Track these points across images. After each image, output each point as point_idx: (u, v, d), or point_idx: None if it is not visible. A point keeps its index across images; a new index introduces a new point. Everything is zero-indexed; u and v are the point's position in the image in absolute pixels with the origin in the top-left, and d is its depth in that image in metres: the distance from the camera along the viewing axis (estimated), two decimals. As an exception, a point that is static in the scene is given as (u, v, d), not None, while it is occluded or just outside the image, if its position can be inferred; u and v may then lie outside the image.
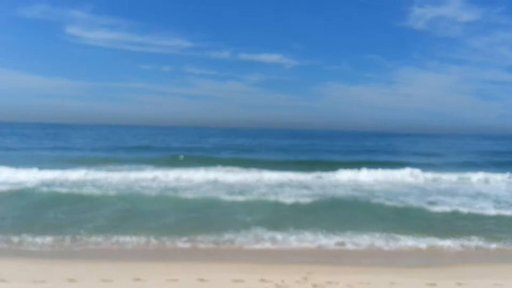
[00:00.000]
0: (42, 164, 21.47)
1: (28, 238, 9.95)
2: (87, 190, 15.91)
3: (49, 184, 16.98)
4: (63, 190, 15.78)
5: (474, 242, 10.57)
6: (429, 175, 21.53)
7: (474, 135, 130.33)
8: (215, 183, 18.58)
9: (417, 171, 21.75)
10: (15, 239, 9.91)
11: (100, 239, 10.11)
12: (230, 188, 17.28)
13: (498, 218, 13.15)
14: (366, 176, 20.86)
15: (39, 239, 9.91)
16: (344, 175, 20.88)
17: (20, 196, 14.93)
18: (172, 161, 26.31)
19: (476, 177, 21.54)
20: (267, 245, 10.10)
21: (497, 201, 15.73)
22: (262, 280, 7.40)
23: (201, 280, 7.34)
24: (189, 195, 15.60)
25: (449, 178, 21.29)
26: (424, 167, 23.54)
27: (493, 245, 10.39)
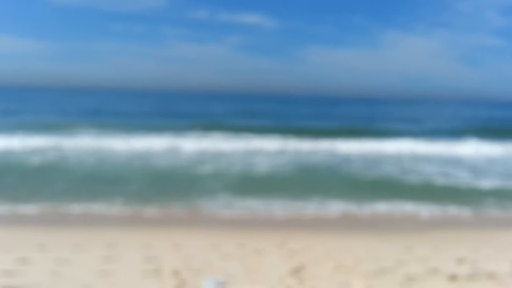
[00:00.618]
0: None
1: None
2: (52, 157, 15.51)
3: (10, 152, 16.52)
4: (24, 157, 15.35)
5: (449, 208, 10.65)
6: (408, 144, 21.60)
7: (460, 101, 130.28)
8: (175, 151, 18.34)
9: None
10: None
11: (72, 206, 9.85)
12: (192, 156, 17.08)
13: (473, 187, 13.27)
14: (344, 144, 20.88)
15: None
16: (323, 144, 20.82)
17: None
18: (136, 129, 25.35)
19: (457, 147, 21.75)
20: (242, 211, 10.00)
21: (473, 170, 15.89)
22: (240, 244, 7.30)
23: (177, 244, 7.20)
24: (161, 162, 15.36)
25: (427, 147, 21.39)
26: (405, 134, 23.72)
27: (467, 212, 10.48)
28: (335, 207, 10.43)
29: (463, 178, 14.27)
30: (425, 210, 10.43)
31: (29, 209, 9.52)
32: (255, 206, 10.33)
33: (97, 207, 9.84)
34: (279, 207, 10.27)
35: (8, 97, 62.06)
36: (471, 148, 21.40)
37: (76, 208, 9.73)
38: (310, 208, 10.34)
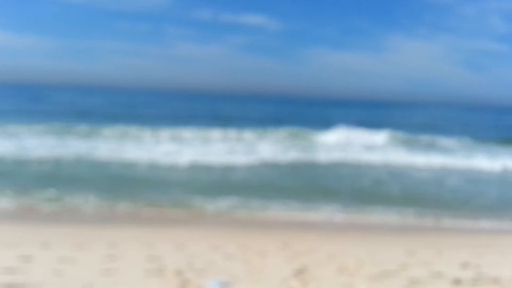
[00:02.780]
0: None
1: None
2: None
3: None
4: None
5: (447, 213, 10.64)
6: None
7: (464, 106, 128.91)
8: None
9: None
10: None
11: (75, 203, 9.87)
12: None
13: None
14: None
15: None
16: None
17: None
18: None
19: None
20: (244, 212, 10.01)
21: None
22: (243, 246, 7.29)
23: (179, 244, 7.19)
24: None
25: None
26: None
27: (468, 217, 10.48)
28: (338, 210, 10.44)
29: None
30: (428, 215, 10.41)
31: (32, 205, 9.53)
32: (258, 206, 10.33)
33: (100, 206, 9.85)
34: (282, 209, 10.27)
35: (13, 94, 61.89)
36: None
37: (79, 206, 9.75)
38: (314, 210, 10.34)
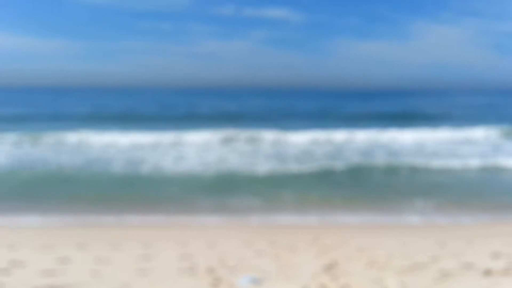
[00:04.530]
0: None
1: None
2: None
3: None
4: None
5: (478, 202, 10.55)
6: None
7: (493, 91, 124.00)
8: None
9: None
10: None
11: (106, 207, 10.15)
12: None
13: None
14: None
15: None
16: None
17: None
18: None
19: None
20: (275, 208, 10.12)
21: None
22: (272, 242, 7.39)
23: (210, 242, 7.34)
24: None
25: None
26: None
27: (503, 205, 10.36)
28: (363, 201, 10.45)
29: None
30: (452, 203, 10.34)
31: (66, 210, 9.83)
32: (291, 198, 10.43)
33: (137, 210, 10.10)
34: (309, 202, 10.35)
35: (40, 98, 62.75)
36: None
37: (114, 206, 10.02)
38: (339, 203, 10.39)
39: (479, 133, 22.10)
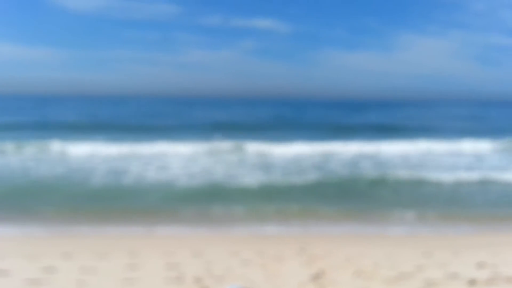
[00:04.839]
0: None
1: None
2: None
3: None
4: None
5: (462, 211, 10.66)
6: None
7: (475, 101, 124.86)
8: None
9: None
10: None
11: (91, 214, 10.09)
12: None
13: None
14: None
15: None
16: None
17: None
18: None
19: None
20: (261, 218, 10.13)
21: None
22: (259, 251, 7.40)
23: (197, 251, 7.32)
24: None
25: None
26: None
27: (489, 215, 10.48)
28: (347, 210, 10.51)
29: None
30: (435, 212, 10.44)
31: (52, 218, 9.76)
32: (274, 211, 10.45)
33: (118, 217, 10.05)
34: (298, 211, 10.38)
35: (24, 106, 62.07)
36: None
37: (97, 216, 9.95)
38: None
39: (467, 146, 22.19)
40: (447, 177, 14.38)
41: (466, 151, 21.05)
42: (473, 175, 14.73)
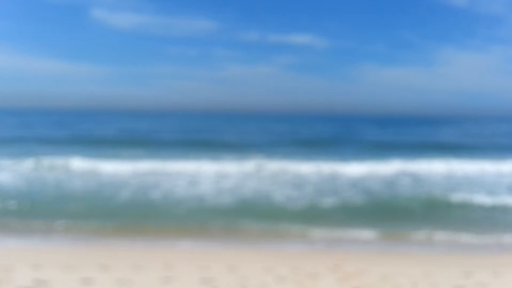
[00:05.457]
0: None
1: None
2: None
3: None
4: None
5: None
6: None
7: None
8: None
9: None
10: None
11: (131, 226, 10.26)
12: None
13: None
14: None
15: None
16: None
17: None
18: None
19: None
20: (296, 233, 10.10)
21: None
22: (294, 267, 7.35)
23: (232, 266, 7.33)
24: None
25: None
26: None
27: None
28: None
29: None
30: (485, 233, 10.16)
31: (91, 229, 9.98)
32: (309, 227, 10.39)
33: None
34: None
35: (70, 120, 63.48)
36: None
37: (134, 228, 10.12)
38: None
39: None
40: (487, 200, 13.84)
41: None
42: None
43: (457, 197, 13.99)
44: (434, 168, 19.95)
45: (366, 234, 10.07)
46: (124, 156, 20.80)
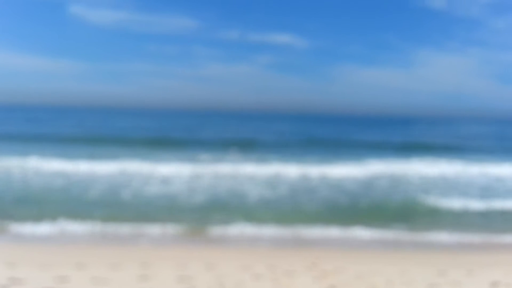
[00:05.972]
0: None
1: None
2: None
3: None
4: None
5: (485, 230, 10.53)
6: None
7: (494, 119, 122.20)
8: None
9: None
10: None
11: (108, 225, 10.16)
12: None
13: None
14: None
15: None
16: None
17: None
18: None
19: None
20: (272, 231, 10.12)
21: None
22: (271, 265, 7.38)
23: (209, 264, 7.32)
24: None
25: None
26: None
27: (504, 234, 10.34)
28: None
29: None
30: (458, 233, 10.33)
31: (69, 228, 9.85)
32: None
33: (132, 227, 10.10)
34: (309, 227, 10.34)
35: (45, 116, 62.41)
36: None
37: (112, 227, 10.02)
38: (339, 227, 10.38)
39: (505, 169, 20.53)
40: (461, 201, 14.07)
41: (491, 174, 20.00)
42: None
43: (432, 198, 14.20)
44: (411, 168, 20.13)
45: (343, 233, 10.16)
46: (96, 156, 20.14)
